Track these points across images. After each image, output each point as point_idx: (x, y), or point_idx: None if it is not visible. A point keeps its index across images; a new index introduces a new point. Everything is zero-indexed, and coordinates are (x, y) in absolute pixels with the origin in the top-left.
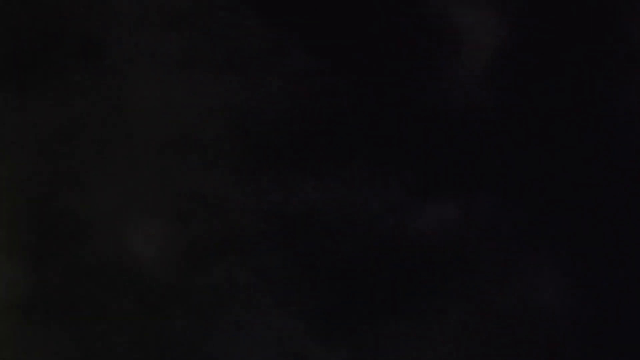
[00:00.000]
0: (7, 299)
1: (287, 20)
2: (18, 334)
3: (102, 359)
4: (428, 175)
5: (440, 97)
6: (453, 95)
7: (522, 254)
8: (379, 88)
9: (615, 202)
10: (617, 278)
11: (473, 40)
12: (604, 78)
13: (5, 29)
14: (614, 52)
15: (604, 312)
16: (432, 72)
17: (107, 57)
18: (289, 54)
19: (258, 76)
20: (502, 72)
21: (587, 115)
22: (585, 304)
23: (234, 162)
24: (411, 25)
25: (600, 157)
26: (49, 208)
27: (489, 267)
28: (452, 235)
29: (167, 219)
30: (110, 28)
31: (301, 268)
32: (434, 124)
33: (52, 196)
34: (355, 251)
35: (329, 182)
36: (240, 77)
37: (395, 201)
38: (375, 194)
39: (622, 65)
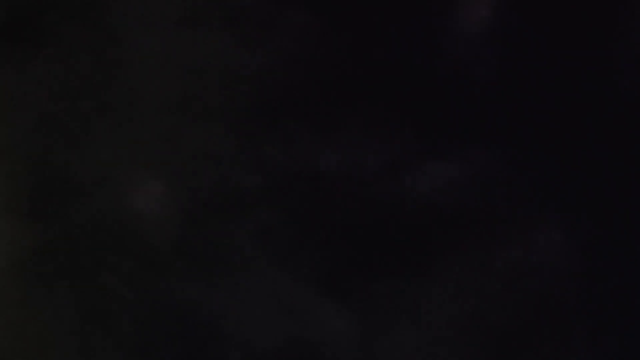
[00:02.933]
0: (7, 259)
1: None
2: (18, 294)
3: (103, 317)
4: (428, 133)
5: (440, 55)
6: (453, 53)
7: (524, 211)
8: (379, 47)
9: (620, 160)
10: (618, 236)
11: None
12: (605, 35)
13: None
14: (616, 9)
15: (606, 270)
16: (432, 31)
17: (107, 17)
18: (289, 13)
19: (259, 35)
20: (503, 29)
21: (589, 71)
22: (587, 261)
23: (235, 121)
24: None
25: (601, 115)
26: (48, 167)
27: (490, 225)
28: (453, 194)
29: (168, 178)
30: None
31: (302, 227)
32: (434, 83)
33: (51, 155)
34: (357, 210)
35: (330, 141)
36: (240, 37)
37: (396, 159)
38: (376, 153)
39: (623, 23)
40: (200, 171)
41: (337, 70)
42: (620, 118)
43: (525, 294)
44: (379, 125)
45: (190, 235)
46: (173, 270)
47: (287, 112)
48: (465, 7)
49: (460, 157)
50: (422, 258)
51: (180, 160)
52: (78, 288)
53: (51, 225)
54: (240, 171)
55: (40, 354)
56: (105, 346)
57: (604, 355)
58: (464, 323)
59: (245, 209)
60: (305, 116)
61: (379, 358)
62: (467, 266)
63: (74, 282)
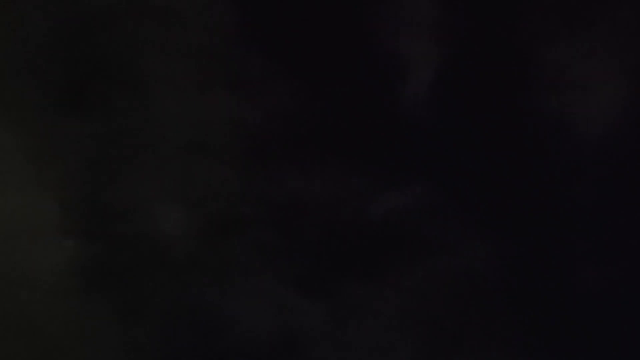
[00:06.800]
0: (64, 268)
1: (277, 55)
2: (69, 297)
3: (137, 313)
4: (386, 171)
5: (395, 109)
6: (405, 107)
7: (459, 231)
8: (346, 104)
9: (533, 190)
10: (533, 249)
11: (419, 63)
12: (523, 89)
13: (65, 64)
14: (533, 72)
15: (523, 275)
16: (388, 89)
17: (140, 83)
18: (278, 79)
19: (255, 96)
20: (445, 85)
21: (511, 122)
22: (508, 268)
23: (237, 161)
24: (370, 55)
25: (520, 157)
26: (96, 197)
27: (433, 242)
28: (404, 217)
29: (187, 205)
30: (142, 60)
31: (289, 243)
32: (392, 130)
33: (96, 189)
34: (331, 229)
35: (310, 176)
36: (241, 97)
37: (362, 191)
38: (346, 185)
39: (539, 83)
40: (211, 200)
41: (315, 121)
42: (535, 157)
43: (460, 294)
44: (348, 165)
45: (203, 249)
46: (189, 277)
47: (277, 155)
48: (414, 75)
49: (408, 189)
50: (380, 267)
51: (195, 192)
52: (117, 292)
53: (96, 243)
54: (240, 200)
55: (88, 347)
56: (139, 336)
57: (524, 345)
58: (412, 316)
59: (244, 229)
60: (291, 158)
61: (346, 343)
62: (414, 274)
63: (114, 287)
